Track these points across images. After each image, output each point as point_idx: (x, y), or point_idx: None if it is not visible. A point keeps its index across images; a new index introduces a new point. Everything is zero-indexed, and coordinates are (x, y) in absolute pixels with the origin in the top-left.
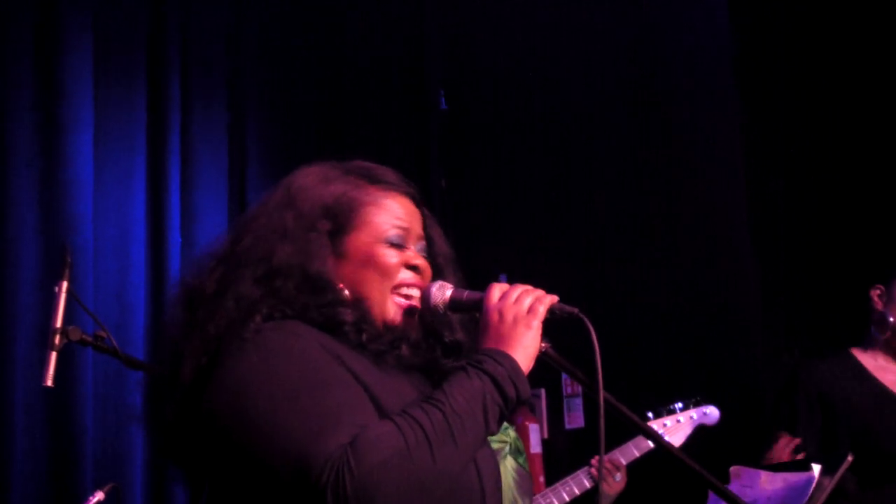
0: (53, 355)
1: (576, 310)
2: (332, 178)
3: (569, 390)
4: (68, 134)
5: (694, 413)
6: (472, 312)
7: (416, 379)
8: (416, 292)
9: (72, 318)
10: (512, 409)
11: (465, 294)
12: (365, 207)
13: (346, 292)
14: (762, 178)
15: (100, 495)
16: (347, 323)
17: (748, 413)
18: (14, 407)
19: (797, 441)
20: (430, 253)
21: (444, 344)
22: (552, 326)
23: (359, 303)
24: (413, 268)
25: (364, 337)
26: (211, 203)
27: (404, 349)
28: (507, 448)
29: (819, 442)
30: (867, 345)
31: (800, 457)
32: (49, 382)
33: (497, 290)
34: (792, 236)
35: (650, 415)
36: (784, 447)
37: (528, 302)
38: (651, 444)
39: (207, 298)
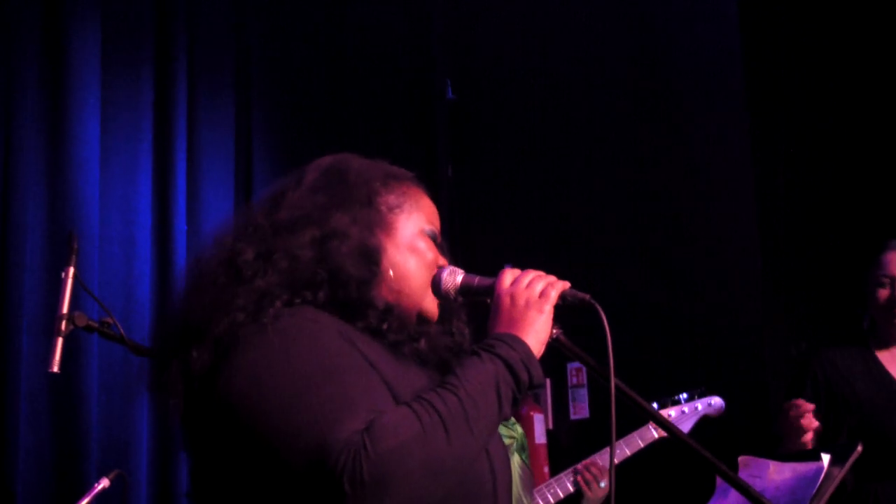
0: (60, 341)
1: (587, 296)
2: (372, 164)
3: (574, 381)
4: (75, 121)
5: (699, 404)
6: (482, 298)
7: (430, 371)
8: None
9: (78, 305)
10: (525, 394)
11: (476, 279)
12: (412, 197)
13: (391, 272)
14: (769, 173)
15: (105, 482)
16: (374, 308)
17: (754, 405)
18: (19, 393)
19: (805, 406)
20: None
21: (457, 331)
22: (560, 312)
23: (399, 289)
24: (440, 267)
25: (385, 325)
26: (217, 191)
27: (423, 343)
28: (515, 444)
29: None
30: (882, 336)
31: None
32: (55, 368)
33: (509, 274)
34: (797, 230)
35: (655, 405)
36: (790, 413)
37: (539, 287)
38: (655, 435)
39: (251, 260)
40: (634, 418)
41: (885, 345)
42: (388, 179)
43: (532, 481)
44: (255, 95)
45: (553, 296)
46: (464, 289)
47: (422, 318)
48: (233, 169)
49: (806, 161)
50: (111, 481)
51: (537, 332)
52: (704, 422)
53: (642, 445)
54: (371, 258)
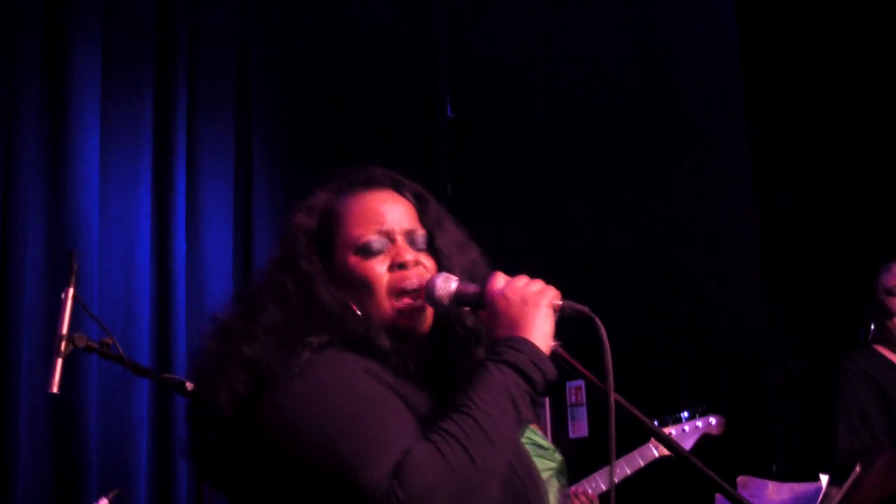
0: (59, 362)
1: (586, 308)
2: (313, 205)
3: (573, 399)
4: (75, 140)
5: (699, 422)
6: (478, 305)
7: (448, 388)
8: (413, 283)
9: (77, 325)
10: (542, 392)
11: (472, 287)
12: (339, 220)
13: (359, 313)
14: (768, 185)
15: (104, 502)
16: (386, 352)
17: (754, 423)
18: (19, 413)
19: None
20: (431, 240)
21: (461, 338)
22: (557, 326)
23: (370, 315)
24: (401, 265)
25: (410, 364)
26: (216, 210)
27: (440, 367)
28: (554, 471)
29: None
30: (882, 340)
31: None
32: (55, 389)
33: (501, 277)
34: (798, 245)
35: (656, 423)
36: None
37: (534, 286)
38: (656, 454)
39: (236, 333)
40: (635, 437)
41: (893, 347)
42: (321, 219)
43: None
44: (255, 116)
45: (549, 294)
46: (458, 297)
47: (401, 333)
48: (232, 188)
49: (806, 174)
50: (110, 501)
51: (540, 327)
52: (703, 439)
53: (643, 464)
54: (330, 312)
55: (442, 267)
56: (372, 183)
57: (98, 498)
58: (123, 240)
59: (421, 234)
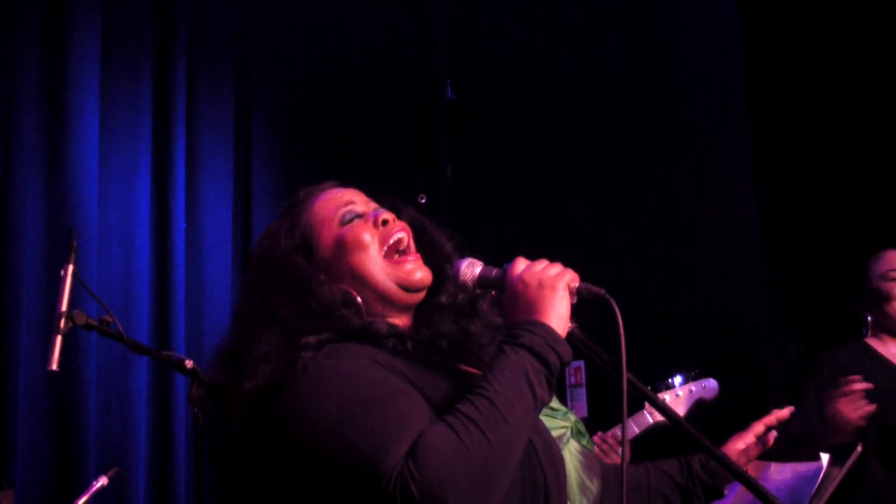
0: (59, 339)
1: (602, 291)
2: (273, 229)
3: (572, 380)
4: (74, 120)
5: (693, 386)
6: (500, 288)
7: (462, 370)
8: (402, 235)
9: (76, 303)
10: (558, 374)
11: (494, 271)
12: (310, 218)
13: (359, 299)
14: (769, 173)
15: (103, 480)
16: (384, 334)
17: (753, 406)
18: (18, 392)
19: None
20: (420, 234)
21: (452, 310)
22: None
23: (372, 290)
24: (384, 223)
25: (409, 345)
26: (216, 189)
27: (444, 344)
28: (569, 432)
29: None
30: (881, 329)
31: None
32: (54, 366)
33: (521, 261)
34: (798, 229)
35: (648, 388)
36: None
37: (552, 269)
38: (651, 420)
39: (228, 384)
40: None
41: (885, 343)
42: (291, 230)
43: (598, 465)
44: (254, 96)
45: (567, 277)
46: (482, 280)
47: (409, 289)
48: (232, 167)
49: (806, 161)
50: (109, 479)
51: (556, 309)
52: (703, 423)
53: (638, 432)
54: (330, 311)
55: (434, 253)
56: (319, 185)
57: (97, 476)
58: (123, 220)
59: (378, 206)
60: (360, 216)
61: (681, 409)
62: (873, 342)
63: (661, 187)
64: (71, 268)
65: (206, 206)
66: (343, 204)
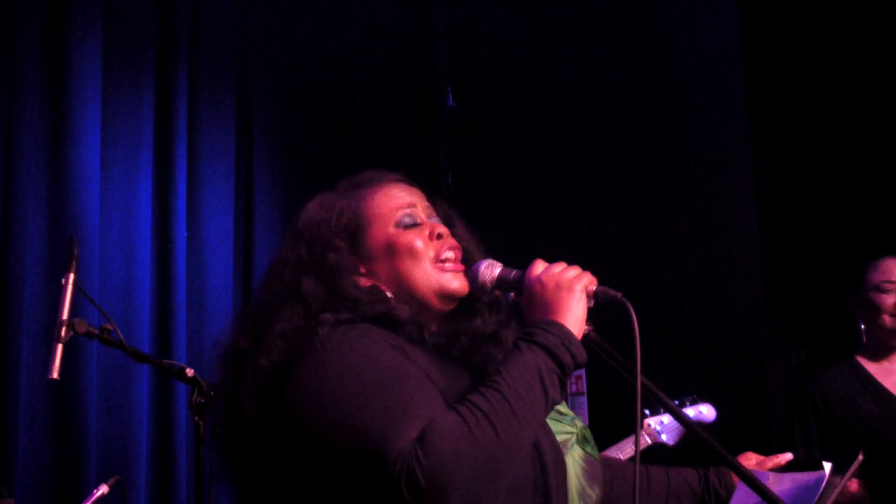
0: (60, 347)
1: (619, 294)
2: (328, 202)
3: (573, 388)
4: (75, 128)
5: (690, 410)
6: (518, 290)
7: (476, 368)
8: (451, 254)
9: (78, 311)
10: (571, 374)
11: (513, 273)
12: (366, 208)
13: (389, 294)
14: (770, 180)
15: (104, 489)
16: (405, 320)
17: (754, 415)
18: (19, 400)
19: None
20: (448, 225)
21: (482, 314)
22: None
23: (410, 294)
24: (438, 236)
25: (425, 333)
26: (217, 197)
27: (463, 340)
28: (574, 438)
29: (816, 453)
30: (868, 349)
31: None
32: (55, 375)
33: (540, 263)
34: (798, 236)
35: (647, 412)
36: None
37: (570, 272)
38: (649, 441)
39: (245, 351)
40: (627, 427)
41: (876, 357)
42: (341, 213)
43: (601, 472)
44: (256, 103)
45: (585, 279)
46: (500, 282)
47: (445, 296)
48: (233, 175)
49: (807, 166)
50: (110, 488)
51: (573, 311)
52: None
53: (631, 454)
54: (354, 298)
55: (464, 253)
56: (381, 177)
57: (98, 485)
58: (124, 228)
59: (435, 215)
60: (417, 224)
61: (676, 433)
62: (864, 357)
63: (662, 196)
64: (72, 276)
65: (207, 214)
66: (405, 206)
